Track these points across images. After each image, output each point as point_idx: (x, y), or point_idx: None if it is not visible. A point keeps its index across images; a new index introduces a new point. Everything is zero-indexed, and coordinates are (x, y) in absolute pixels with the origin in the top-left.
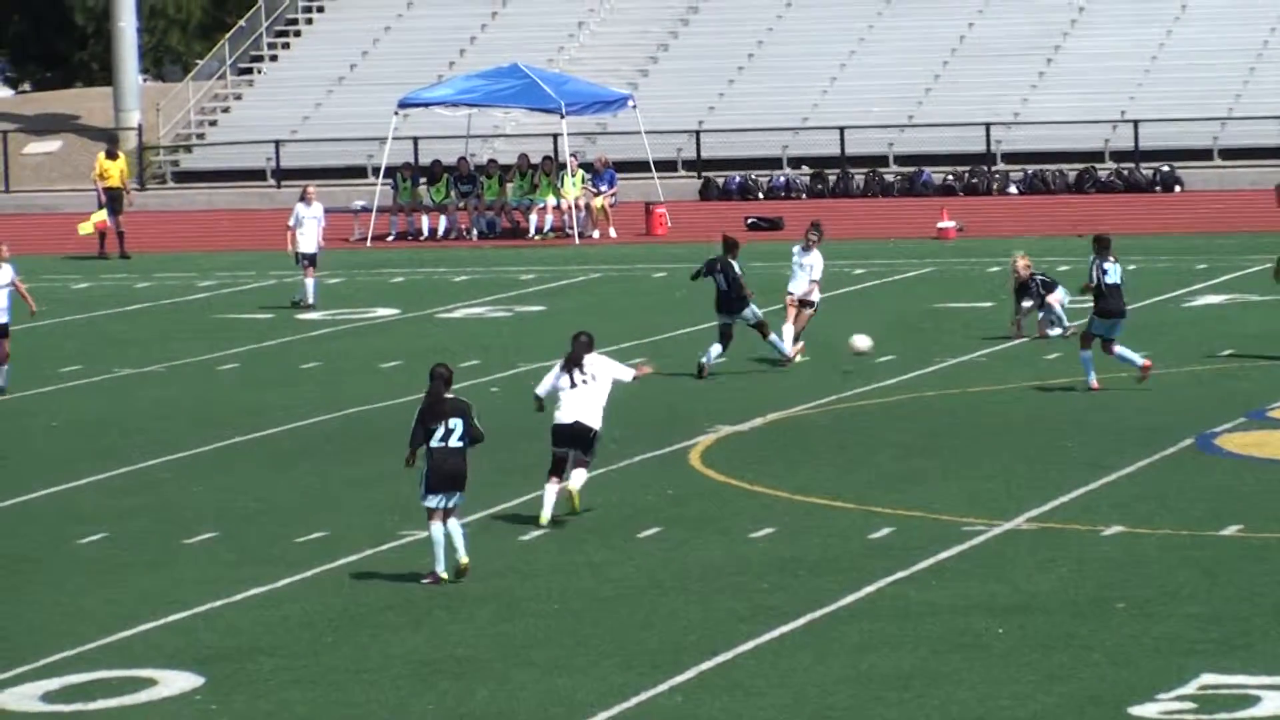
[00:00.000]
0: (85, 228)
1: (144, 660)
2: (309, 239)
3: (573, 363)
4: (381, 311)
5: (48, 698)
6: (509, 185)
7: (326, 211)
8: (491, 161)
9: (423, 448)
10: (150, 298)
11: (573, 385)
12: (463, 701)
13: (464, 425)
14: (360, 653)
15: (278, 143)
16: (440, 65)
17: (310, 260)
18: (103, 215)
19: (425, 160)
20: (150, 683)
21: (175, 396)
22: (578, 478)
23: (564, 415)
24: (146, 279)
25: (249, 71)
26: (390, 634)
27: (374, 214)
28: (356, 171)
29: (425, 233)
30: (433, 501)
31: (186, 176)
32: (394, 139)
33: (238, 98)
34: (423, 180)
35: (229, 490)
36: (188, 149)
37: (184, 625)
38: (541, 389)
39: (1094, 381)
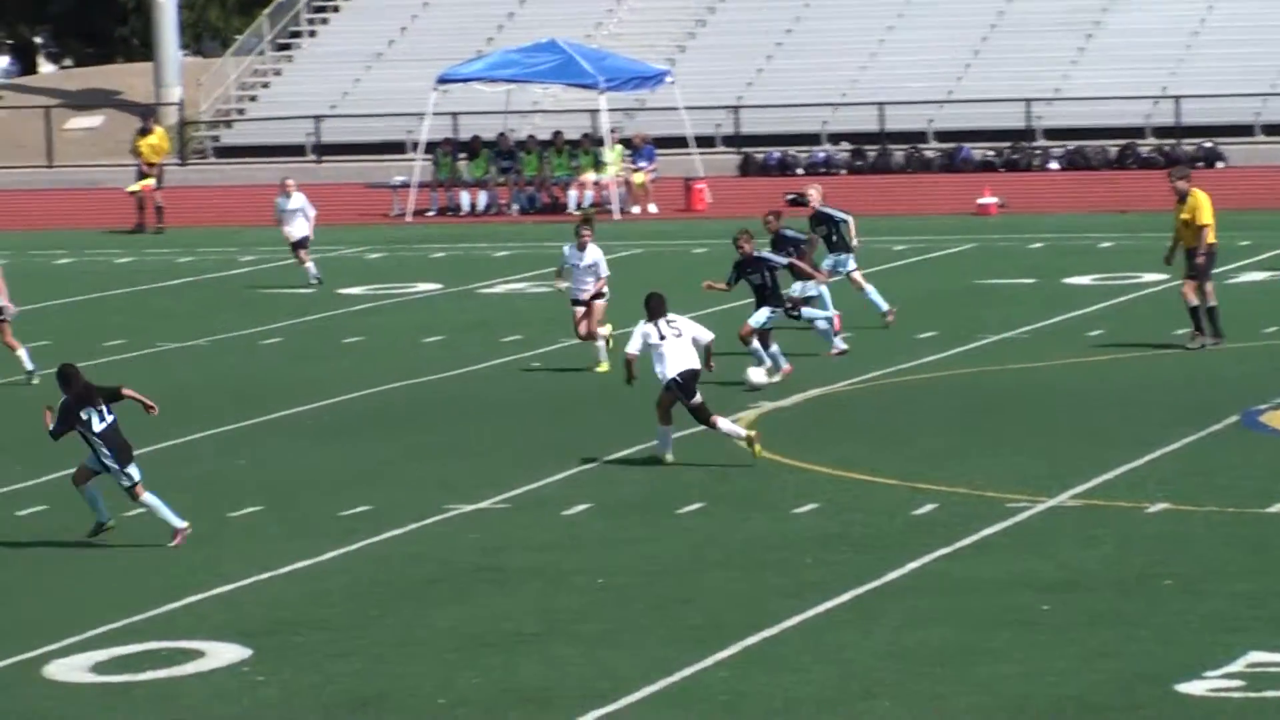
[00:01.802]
0: (133, 186)
1: (191, 632)
2: (298, 227)
3: (656, 315)
4: (423, 287)
5: (97, 669)
6: (548, 161)
7: (376, 186)
8: (531, 137)
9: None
10: (192, 272)
11: (663, 338)
12: (508, 675)
13: (105, 403)
14: (405, 626)
15: (317, 118)
16: (478, 41)
17: (301, 244)
18: (150, 181)
19: (465, 135)
20: (198, 654)
21: (218, 371)
22: (727, 426)
23: (672, 366)
24: (189, 253)
25: (288, 47)
26: (435, 607)
27: (414, 189)
28: (396, 147)
29: (465, 208)
30: (136, 473)
31: (227, 152)
32: (433, 114)
33: (277, 73)
34: (462, 155)
35: (273, 464)
36: (228, 124)
37: (231, 598)
38: (632, 347)
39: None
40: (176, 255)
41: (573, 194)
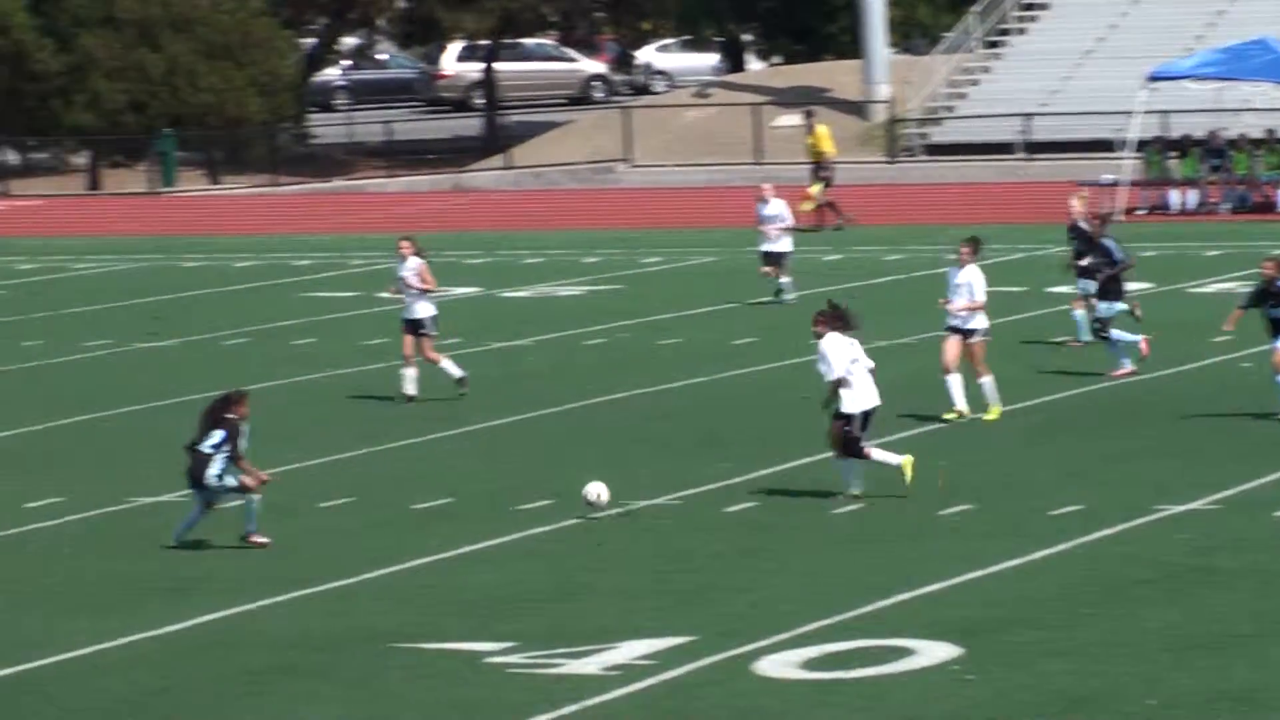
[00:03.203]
0: (806, 204)
1: (901, 630)
2: (777, 239)
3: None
4: (1131, 286)
5: (807, 665)
6: (1259, 159)
7: (1086, 184)
8: (1242, 135)
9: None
10: (901, 270)
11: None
12: (1219, 677)
13: (224, 438)
14: (1117, 626)
15: (1027, 116)
16: (1188, 38)
17: (771, 259)
18: (814, 189)
19: (1174, 134)
20: (908, 652)
21: (925, 368)
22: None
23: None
24: (898, 251)
25: (997, 44)
26: (1146, 607)
27: (1124, 188)
28: (1104, 145)
29: (1175, 207)
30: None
31: (936, 149)
32: (1143, 112)
33: (986, 70)
34: (1172, 154)
35: (983, 464)
36: (936, 122)
37: (940, 596)
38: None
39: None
40: (884, 253)
41: None
